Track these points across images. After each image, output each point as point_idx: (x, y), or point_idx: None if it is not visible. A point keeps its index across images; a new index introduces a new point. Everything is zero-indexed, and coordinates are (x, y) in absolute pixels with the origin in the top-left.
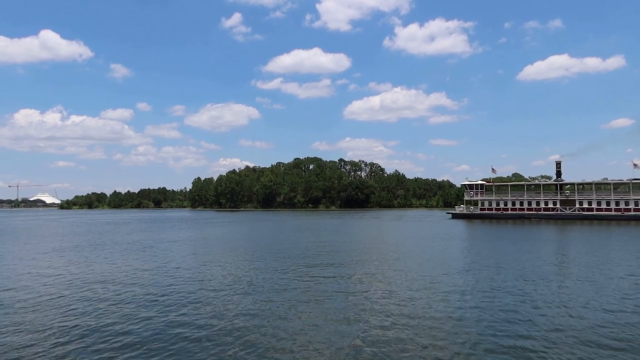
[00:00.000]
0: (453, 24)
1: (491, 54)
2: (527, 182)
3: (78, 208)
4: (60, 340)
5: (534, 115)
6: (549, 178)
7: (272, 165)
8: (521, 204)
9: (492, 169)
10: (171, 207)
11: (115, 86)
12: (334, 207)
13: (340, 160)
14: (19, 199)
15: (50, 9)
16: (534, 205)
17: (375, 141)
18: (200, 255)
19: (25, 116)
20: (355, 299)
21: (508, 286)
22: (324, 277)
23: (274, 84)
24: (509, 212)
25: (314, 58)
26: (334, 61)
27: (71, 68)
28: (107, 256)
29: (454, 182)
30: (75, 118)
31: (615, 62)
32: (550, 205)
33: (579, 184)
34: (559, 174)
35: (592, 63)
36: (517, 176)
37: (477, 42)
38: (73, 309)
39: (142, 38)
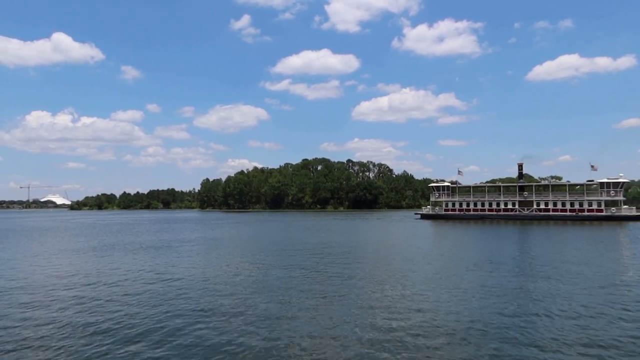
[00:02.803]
0: (462, 24)
1: (501, 54)
2: (488, 185)
3: (88, 209)
4: (79, 333)
5: (544, 115)
6: (559, 179)
7: (280, 166)
8: (482, 204)
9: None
10: (180, 207)
11: (126, 88)
12: (342, 208)
13: (349, 161)
14: (30, 200)
15: (62, 12)
16: (494, 206)
17: (383, 142)
18: (214, 256)
19: (37, 118)
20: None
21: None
22: (328, 275)
23: (283, 85)
24: (471, 212)
25: (323, 59)
26: (343, 62)
27: (83, 70)
28: (125, 256)
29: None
30: (85, 120)
31: (627, 61)
32: (510, 206)
33: (536, 186)
34: (520, 175)
35: (603, 63)
36: (526, 177)
37: (487, 42)
38: (92, 307)
39: (152, 40)
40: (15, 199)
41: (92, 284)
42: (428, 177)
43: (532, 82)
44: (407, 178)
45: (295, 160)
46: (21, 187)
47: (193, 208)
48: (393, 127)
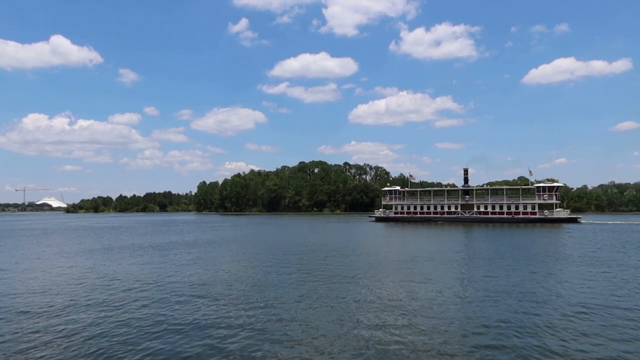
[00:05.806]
0: (459, 28)
1: (498, 58)
2: (434, 188)
3: (84, 212)
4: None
5: (540, 118)
6: (555, 181)
7: (277, 169)
8: (428, 208)
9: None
10: (176, 210)
11: (124, 91)
12: (339, 211)
13: (346, 164)
14: (26, 203)
15: (61, 15)
16: (439, 209)
17: (380, 145)
18: (216, 258)
19: (34, 120)
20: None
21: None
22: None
23: (280, 88)
24: (418, 215)
25: (321, 62)
26: (341, 65)
27: (81, 73)
28: (124, 259)
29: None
30: (82, 122)
31: (622, 65)
32: (453, 209)
33: (478, 190)
34: (466, 180)
35: (599, 66)
36: (522, 179)
37: (484, 46)
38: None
39: (150, 43)
40: (11, 201)
41: (107, 285)
42: (425, 180)
43: (529, 85)
44: (403, 181)
45: (292, 163)
46: (17, 190)
47: (189, 211)
48: (390, 130)
